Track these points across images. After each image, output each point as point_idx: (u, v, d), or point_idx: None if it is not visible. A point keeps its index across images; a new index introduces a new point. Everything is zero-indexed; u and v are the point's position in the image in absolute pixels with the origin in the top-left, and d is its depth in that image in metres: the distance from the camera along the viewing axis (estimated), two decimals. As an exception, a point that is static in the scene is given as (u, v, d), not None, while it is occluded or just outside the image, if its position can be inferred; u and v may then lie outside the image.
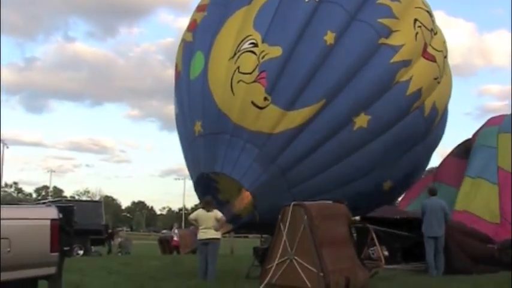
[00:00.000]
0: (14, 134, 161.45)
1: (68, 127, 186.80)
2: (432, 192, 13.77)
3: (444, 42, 14.82)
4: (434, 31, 14.20)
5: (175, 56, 15.30)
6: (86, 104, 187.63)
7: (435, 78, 13.87)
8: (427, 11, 14.17)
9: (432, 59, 13.77)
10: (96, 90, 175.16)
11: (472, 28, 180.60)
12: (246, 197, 12.69)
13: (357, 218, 14.94)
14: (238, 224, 13.63)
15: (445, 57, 14.66)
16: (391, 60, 12.88)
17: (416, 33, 13.35)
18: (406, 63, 13.08)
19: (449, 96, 15.20)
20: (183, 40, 14.76)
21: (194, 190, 13.92)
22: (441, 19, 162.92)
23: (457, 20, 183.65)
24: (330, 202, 11.49)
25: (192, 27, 14.41)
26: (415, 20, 13.48)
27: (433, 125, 14.36)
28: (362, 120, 12.79)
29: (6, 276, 7.31)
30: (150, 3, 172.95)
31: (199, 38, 13.89)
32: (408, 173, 14.61)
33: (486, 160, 16.07)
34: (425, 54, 13.56)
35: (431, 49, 13.80)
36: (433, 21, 14.36)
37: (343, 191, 13.06)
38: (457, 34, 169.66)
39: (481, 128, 18.04)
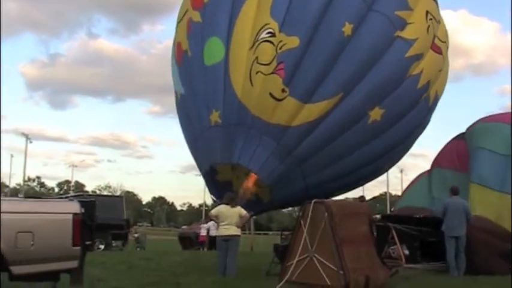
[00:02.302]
0: (38, 129, 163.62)
1: (90, 123, 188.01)
2: (454, 192, 13.61)
3: (446, 31, 15.08)
4: (439, 21, 14.32)
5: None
6: (108, 100, 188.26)
7: (440, 70, 14.20)
8: (435, 1, 14.37)
9: (439, 51, 14.10)
10: (119, 87, 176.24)
11: (496, 27, 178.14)
12: (252, 179, 12.93)
13: (378, 216, 14.90)
14: (256, 212, 14.22)
15: (447, 48, 14.91)
16: (406, 55, 13.04)
17: (428, 26, 13.55)
18: (419, 57, 13.31)
19: (446, 82, 15.50)
20: (187, 17, 14.25)
21: (204, 180, 13.95)
22: (464, 18, 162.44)
23: (480, 19, 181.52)
24: (351, 200, 11.48)
25: (199, 5, 13.87)
26: (427, 12, 13.61)
27: (431, 112, 14.94)
28: (376, 114, 13.03)
29: (29, 269, 7.42)
30: (173, 0, 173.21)
31: (211, 21, 13.44)
32: (403, 154, 15.45)
33: (492, 166, 15.46)
34: (433, 46, 13.83)
35: (438, 40, 14.05)
36: (439, 11, 14.55)
37: (350, 177, 13.92)
38: (480, 33, 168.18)
39: (475, 123, 17.38)
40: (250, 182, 13.06)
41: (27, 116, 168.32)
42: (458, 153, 16.69)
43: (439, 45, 14.03)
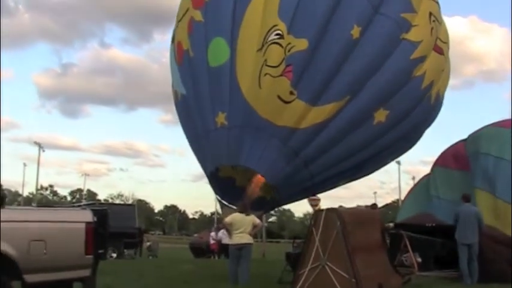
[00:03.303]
0: (50, 137, 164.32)
1: (102, 131, 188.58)
2: (466, 199, 13.55)
3: (447, 32, 15.12)
4: (441, 22, 14.48)
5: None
6: (121, 109, 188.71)
7: (442, 70, 14.36)
8: (437, 2, 14.43)
9: (441, 51, 14.16)
10: (131, 96, 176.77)
11: (507, 33, 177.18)
12: (259, 180, 13.11)
13: (391, 224, 14.84)
14: (265, 211, 14.87)
15: (448, 48, 14.97)
16: (411, 57, 13.10)
17: (432, 28, 13.62)
18: (423, 59, 13.36)
19: (448, 81, 15.54)
20: (188, 16, 13.98)
21: (209, 180, 13.93)
22: (474, 24, 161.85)
23: (491, 25, 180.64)
24: (363, 207, 11.46)
25: (200, 4, 13.62)
26: (430, 13, 13.67)
27: (435, 110, 15.00)
28: (381, 115, 13.12)
29: (42, 277, 7.44)
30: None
31: (214, 22, 13.21)
32: (406, 149, 15.70)
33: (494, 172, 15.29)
34: (435, 47, 13.88)
35: (440, 42, 14.10)
36: (440, 12, 14.59)
37: (353, 172, 14.38)
38: (491, 39, 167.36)
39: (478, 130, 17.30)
40: (257, 184, 13.11)
41: (40, 125, 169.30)
42: (455, 153, 16.67)
43: (440, 46, 14.11)
